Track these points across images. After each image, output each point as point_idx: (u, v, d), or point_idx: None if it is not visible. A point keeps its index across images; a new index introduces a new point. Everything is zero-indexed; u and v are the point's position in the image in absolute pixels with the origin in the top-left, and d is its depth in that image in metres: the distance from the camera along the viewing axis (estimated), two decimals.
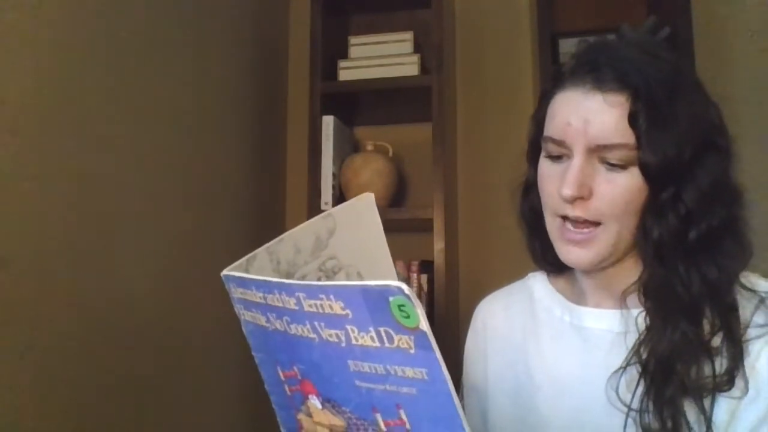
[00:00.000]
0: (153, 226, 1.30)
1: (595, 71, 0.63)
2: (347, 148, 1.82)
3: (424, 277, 1.70)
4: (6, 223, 0.94)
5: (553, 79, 0.70)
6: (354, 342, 0.43)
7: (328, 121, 1.69)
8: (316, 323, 0.45)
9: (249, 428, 1.66)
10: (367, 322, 0.42)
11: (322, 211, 1.62)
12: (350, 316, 0.42)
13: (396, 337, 0.41)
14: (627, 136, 0.61)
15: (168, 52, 1.37)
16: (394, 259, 1.88)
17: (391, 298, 0.40)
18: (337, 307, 0.43)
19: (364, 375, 0.45)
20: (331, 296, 0.43)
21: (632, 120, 0.60)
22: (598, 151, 0.62)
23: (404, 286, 0.39)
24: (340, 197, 1.71)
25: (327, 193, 1.67)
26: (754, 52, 1.72)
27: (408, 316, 0.40)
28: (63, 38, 1.06)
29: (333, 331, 0.44)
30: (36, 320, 0.98)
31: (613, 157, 0.62)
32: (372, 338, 0.42)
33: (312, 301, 0.44)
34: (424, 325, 0.40)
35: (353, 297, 0.42)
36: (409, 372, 0.42)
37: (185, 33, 1.45)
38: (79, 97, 1.10)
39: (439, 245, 1.58)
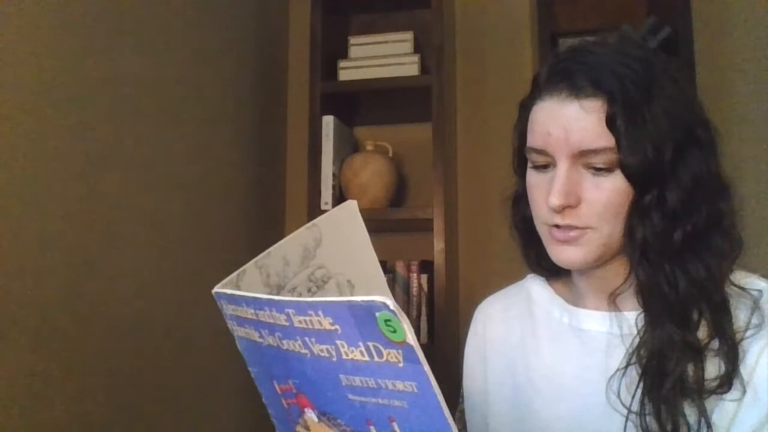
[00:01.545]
0: (153, 226, 1.30)
1: (569, 78, 0.63)
2: (347, 148, 1.82)
3: (424, 277, 1.70)
4: (5, 224, 0.94)
5: (530, 88, 0.70)
6: (344, 357, 0.44)
7: (328, 121, 1.69)
8: (306, 339, 0.45)
9: None
10: (356, 337, 0.42)
11: (323, 211, 1.63)
12: (339, 332, 0.43)
13: (385, 352, 0.42)
14: (608, 140, 0.60)
15: (167, 53, 1.37)
16: (394, 259, 1.88)
17: (377, 313, 0.40)
18: (326, 323, 0.43)
19: (356, 389, 0.45)
20: (320, 312, 0.43)
21: (610, 123, 0.60)
22: (582, 157, 0.62)
23: (389, 301, 0.39)
24: (340, 197, 1.71)
25: (327, 193, 1.67)
26: (754, 51, 1.72)
27: (395, 331, 0.40)
28: (62, 38, 1.06)
29: (324, 346, 0.44)
30: (35, 322, 0.98)
31: (598, 161, 0.61)
32: (361, 353, 0.43)
33: (301, 317, 0.44)
34: (411, 339, 0.40)
35: (341, 312, 0.42)
36: (400, 385, 0.43)
37: (185, 33, 1.45)
38: (78, 97, 1.10)
39: (439, 245, 1.58)
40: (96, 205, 1.13)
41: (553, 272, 0.76)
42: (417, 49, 1.75)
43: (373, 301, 0.40)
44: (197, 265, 1.43)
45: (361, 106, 1.86)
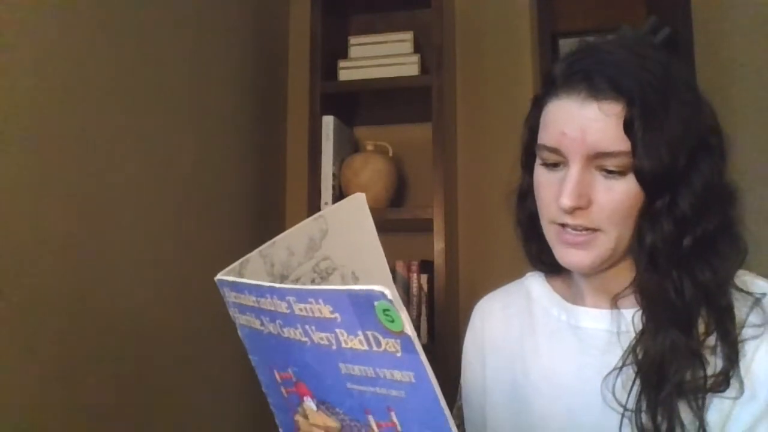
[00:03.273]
0: (153, 227, 1.30)
1: (588, 79, 0.62)
2: (347, 148, 1.82)
3: (424, 277, 1.70)
4: (5, 225, 0.94)
5: (543, 84, 0.69)
6: (344, 345, 0.44)
7: (328, 121, 1.69)
8: (307, 326, 0.46)
9: (250, 429, 1.66)
10: (355, 325, 0.43)
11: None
12: (339, 320, 0.43)
13: (383, 341, 0.42)
14: (624, 144, 0.60)
15: (168, 53, 1.37)
16: (394, 259, 1.87)
17: (375, 303, 0.41)
18: (326, 311, 0.43)
19: (355, 378, 0.45)
20: (320, 300, 0.43)
21: (627, 127, 0.60)
22: (596, 159, 0.62)
23: (387, 291, 0.40)
24: (340, 197, 1.71)
25: (327, 193, 1.67)
26: (754, 51, 1.72)
27: (393, 321, 0.41)
28: (62, 38, 1.06)
29: (323, 335, 0.45)
30: (35, 323, 0.98)
31: (612, 164, 0.61)
32: (360, 342, 0.43)
33: (302, 305, 0.44)
34: (409, 329, 0.41)
35: (341, 301, 0.42)
36: (398, 375, 0.43)
37: (185, 33, 1.45)
38: (77, 99, 1.10)
39: (439, 245, 1.58)
40: (96, 205, 1.13)
41: (553, 268, 0.76)
42: (417, 49, 1.75)
43: (371, 290, 0.40)
44: (197, 265, 1.43)
45: (361, 106, 1.86)
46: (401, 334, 0.41)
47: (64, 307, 1.04)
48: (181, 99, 1.42)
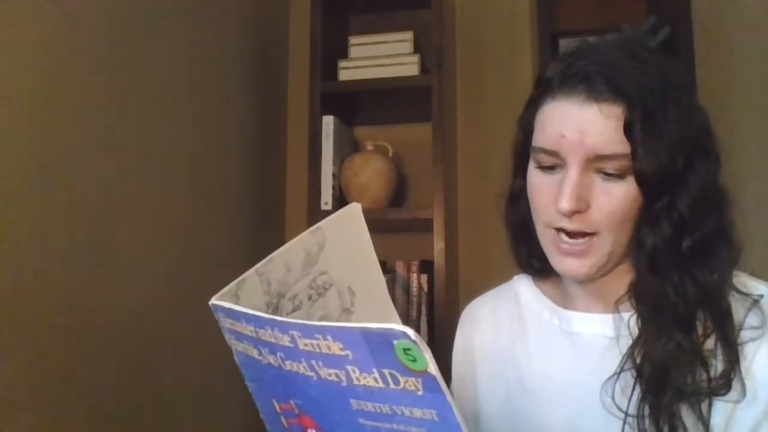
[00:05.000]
0: (152, 228, 1.30)
1: (586, 81, 0.61)
2: (347, 148, 1.82)
3: (424, 277, 1.70)
4: (5, 226, 0.94)
5: (538, 85, 0.68)
6: (355, 382, 0.41)
7: (328, 121, 1.69)
8: (313, 362, 0.42)
9: None
10: (370, 363, 0.40)
11: (323, 211, 1.62)
12: (351, 357, 0.40)
13: (402, 379, 0.39)
14: (623, 146, 0.60)
15: (167, 52, 1.37)
16: (394, 259, 1.86)
17: (395, 342, 0.38)
18: (336, 348, 0.41)
19: (369, 414, 0.43)
20: (329, 337, 0.40)
21: (627, 130, 0.60)
22: (595, 162, 0.61)
23: (410, 331, 0.37)
24: (340, 197, 1.71)
25: (327, 193, 1.67)
26: (754, 51, 1.72)
27: (414, 360, 0.38)
28: (61, 37, 1.06)
29: (332, 371, 0.42)
30: (34, 323, 0.98)
31: (611, 167, 0.61)
32: (375, 379, 0.40)
33: (307, 340, 0.42)
34: (433, 368, 0.38)
35: (353, 338, 0.40)
36: (418, 413, 0.40)
37: (184, 33, 1.44)
38: (77, 98, 1.09)
39: (439, 245, 1.58)
40: (95, 206, 1.13)
41: (543, 272, 0.75)
42: (417, 49, 1.75)
43: (391, 329, 0.38)
44: (197, 265, 1.43)
45: (361, 106, 1.86)
46: (424, 373, 0.38)
47: (64, 307, 1.04)
48: (181, 99, 1.42)
